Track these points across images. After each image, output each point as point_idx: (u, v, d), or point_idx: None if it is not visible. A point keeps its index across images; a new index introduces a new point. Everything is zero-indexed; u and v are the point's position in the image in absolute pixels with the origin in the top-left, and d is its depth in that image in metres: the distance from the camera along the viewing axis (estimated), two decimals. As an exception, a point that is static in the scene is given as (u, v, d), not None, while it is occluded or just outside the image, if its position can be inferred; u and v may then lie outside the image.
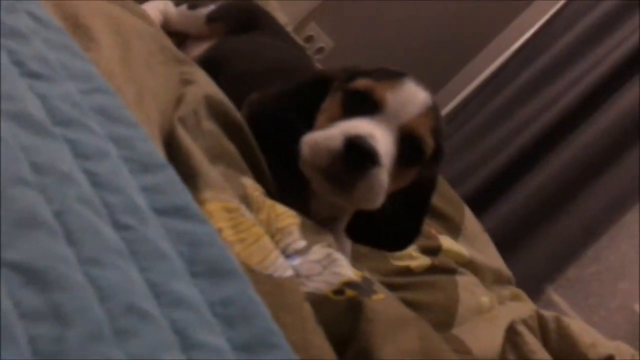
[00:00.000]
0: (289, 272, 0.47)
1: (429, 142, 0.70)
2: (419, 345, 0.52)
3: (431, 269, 0.97)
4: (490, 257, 1.13)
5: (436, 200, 1.11)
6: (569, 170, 1.93)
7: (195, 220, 0.39)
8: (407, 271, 0.96)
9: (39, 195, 0.31)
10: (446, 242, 1.03)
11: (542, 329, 0.80)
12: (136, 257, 0.34)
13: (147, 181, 0.40)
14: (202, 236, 0.39)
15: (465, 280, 0.98)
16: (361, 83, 0.70)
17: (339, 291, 0.51)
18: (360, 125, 0.65)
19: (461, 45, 2.39)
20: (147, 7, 1.08)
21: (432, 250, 1.00)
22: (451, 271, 0.99)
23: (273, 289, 0.43)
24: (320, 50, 2.28)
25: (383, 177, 0.64)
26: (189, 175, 0.51)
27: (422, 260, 0.97)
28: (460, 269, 1.00)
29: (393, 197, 0.70)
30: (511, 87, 2.12)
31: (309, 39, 2.24)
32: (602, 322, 1.86)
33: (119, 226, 0.35)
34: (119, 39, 0.58)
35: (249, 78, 0.90)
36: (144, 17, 0.73)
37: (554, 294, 1.99)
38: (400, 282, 0.92)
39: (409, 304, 0.90)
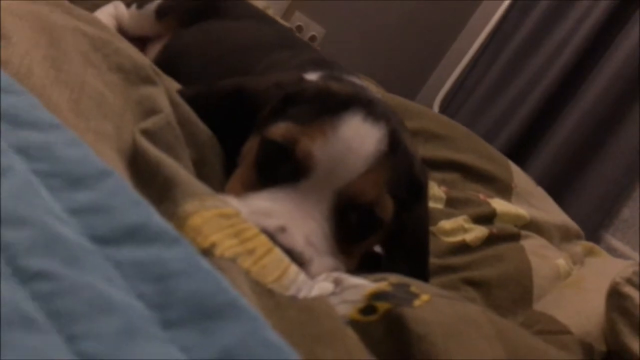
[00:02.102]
0: (316, 291, 0.33)
1: (385, 204, 0.51)
2: (502, 350, 0.37)
3: (490, 239, 0.82)
4: (551, 212, 0.98)
5: (477, 161, 0.96)
6: (607, 102, 1.78)
7: (162, 242, 0.26)
8: (463, 246, 0.81)
9: None
10: (499, 205, 0.88)
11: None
12: (60, 324, 0.20)
13: (79, 200, 0.26)
14: (174, 264, 0.25)
15: (533, 244, 0.83)
16: (280, 131, 0.51)
17: (367, 309, 0.36)
18: (269, 211, 0.47)
19: (455, 14, 2.27)
20: (99, 14, 0.96)
21: (487, 218, 0.85)
22: (514, 237, 0.84)
23: (301, 316, 0.29)
24: (312, 38, 2.16)
25: (317, 268, 0.47)
26: (164, 190, 0.38)
27: (478, 231, 0.82)
28: (524, 232, 0.85)
29: (385, 246, 0.55)
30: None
31: (299, 29, 2.12)
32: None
33: (26, 277, 0.21)
34: (44, 37, 0.45)
35: (205, 74, 0.76)
36: (94, 23, 0.59)
37: (612, 239, 1.86)
38: (459, 262, 0.78)
39: (475, 284, 0.76)
